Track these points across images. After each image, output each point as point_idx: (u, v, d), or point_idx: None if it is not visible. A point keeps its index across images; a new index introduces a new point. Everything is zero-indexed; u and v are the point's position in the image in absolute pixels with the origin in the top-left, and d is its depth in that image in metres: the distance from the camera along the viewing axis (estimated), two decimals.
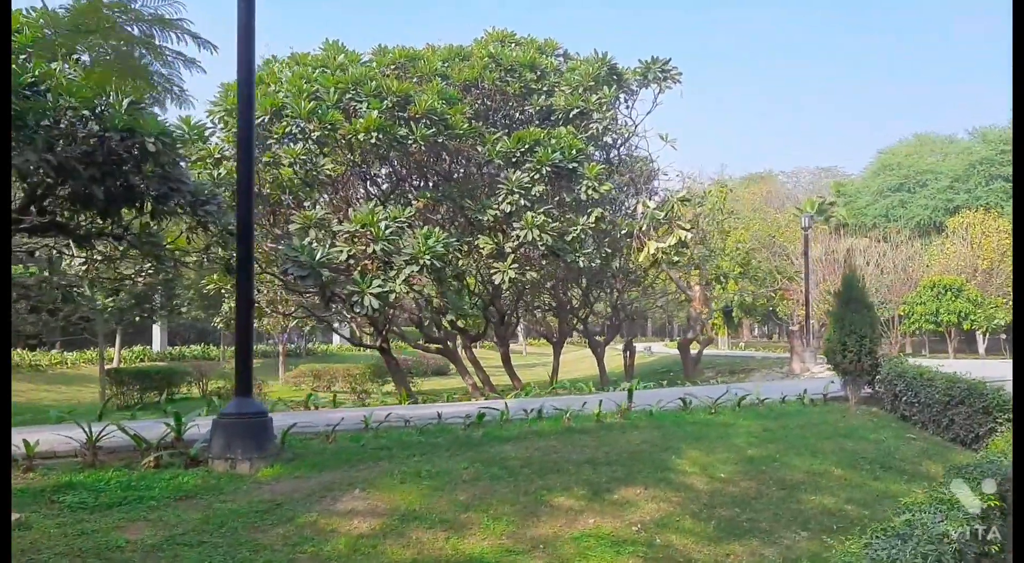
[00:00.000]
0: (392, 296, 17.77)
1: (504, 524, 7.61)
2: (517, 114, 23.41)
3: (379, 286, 17.04)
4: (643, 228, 21.67)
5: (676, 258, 21.74)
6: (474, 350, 27.44)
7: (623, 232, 22.25)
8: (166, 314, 23.57)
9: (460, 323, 25.04)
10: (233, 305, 13.76)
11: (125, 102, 9.47)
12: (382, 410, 13.02)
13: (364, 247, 17.47)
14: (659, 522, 8.17)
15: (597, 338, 29.75)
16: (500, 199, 20.14)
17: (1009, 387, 12.72)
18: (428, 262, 17.41)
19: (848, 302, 14.82)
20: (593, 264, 22.12)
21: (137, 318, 23.69)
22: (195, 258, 16.72)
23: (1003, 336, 42.85)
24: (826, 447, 11.63)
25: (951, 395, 12.78)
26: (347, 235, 17.79)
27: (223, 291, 22.93)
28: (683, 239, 21.35)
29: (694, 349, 30.15)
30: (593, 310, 29.04)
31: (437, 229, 19.04)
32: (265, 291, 23.59)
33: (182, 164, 12.84)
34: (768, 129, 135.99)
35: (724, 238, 48.40)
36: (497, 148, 20.22)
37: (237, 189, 10.26)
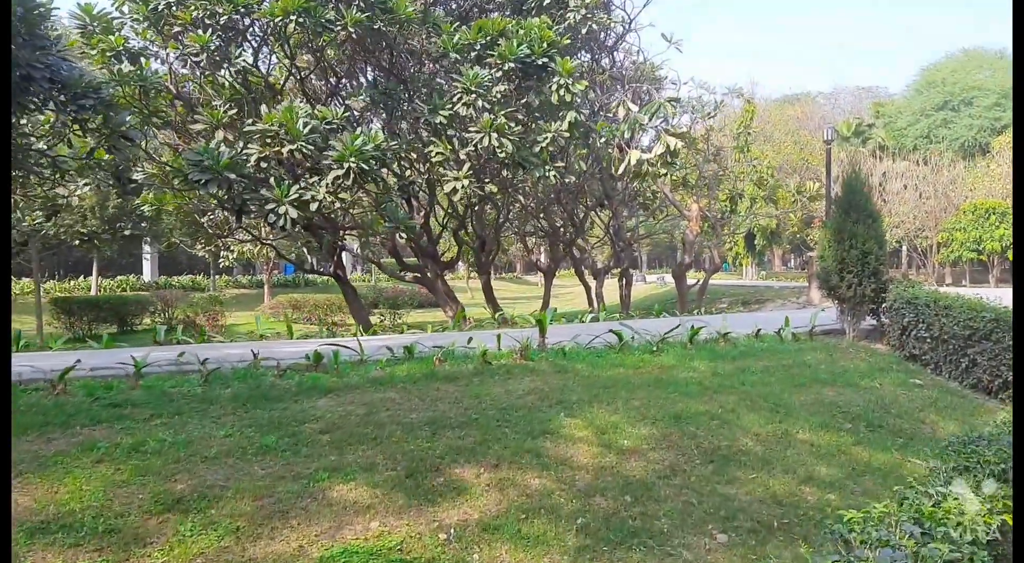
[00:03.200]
0: (314, 205, 14.77)
1: (214, 535, 4.67)
2: (487, 4, 19.85)
3: (298, 194, 14.07)
4: (625, 135, 18.13)
5: (663, 171, 18.22)
6: (480, 279, 24.56)
7: (603, 140, 18.74)
8: (109, 239, 20.90)
9: (435, 246, 22.03)
10: None
11: None
12: (248, 347, 10.13)
13: (278, 149, 14.44)
14: (490, 524, 5.15)
15: (586, 267, 26.51)
16: (455, 99, 16.78)
17: None
18: (354, 166, 14.34)
19: (848, 210, 11.35)
20: (567, 179, 18.77)
21: (77, 242, 21.06)
22: (78, 164, 13.98)
23: None
24: (797, 399, 8.42)
25: (973, 328, 9.39)
26: (259, 136, 14.74)
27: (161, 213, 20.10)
28: (672, 148, 17.78)
29: (697, 277, 26.73)
30: (583, 235, 25.65)
31: (374, 129, 15.84)
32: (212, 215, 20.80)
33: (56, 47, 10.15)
34: (807, 49, 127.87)
35: (748, 157, 44.34)
36: (455, 40, 16.77)
37: None
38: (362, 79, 19.90)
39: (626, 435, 6.88)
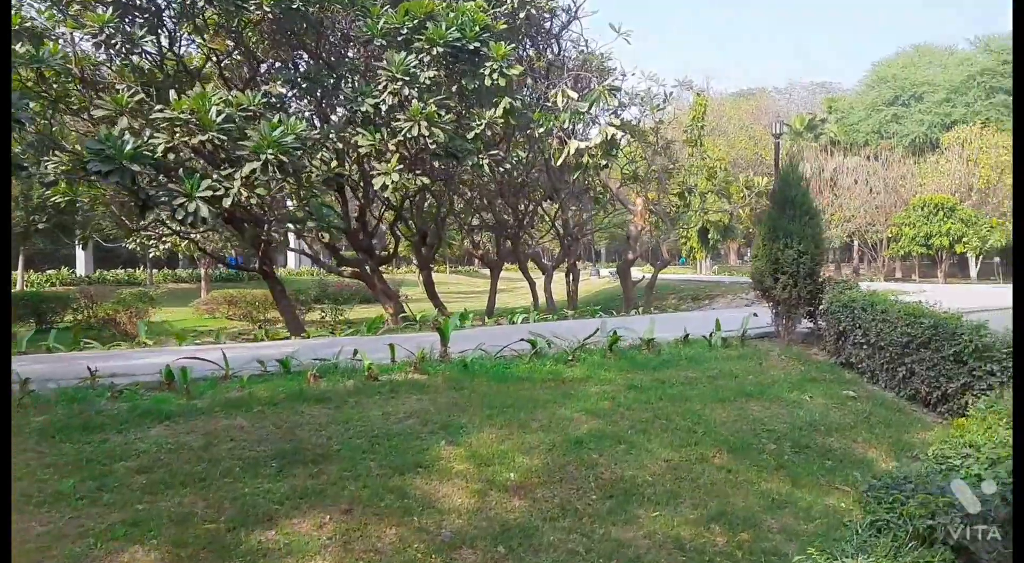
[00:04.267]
0: (228, 201, 13.57)
1: None
2: None
3: (210, 188, 12.87)
4: (565, 124, 17.21)
5: (604, 161, 17.34)
6: (421, 275, 23.44)
7: (541, 130, 17.78)
8: (22, 231, 19.42)
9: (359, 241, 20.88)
10: None
11: None
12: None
13: (188, 138, 13.23)
14: None
15: (534, 262, 25.58)
16: (380, 87, 15.67)
17: (995, 324, 8.56)
18: (272, 157, 13.18)
19: (784, 207, 10.52)
20: (503, 168, 17.81)
21: None
22: None
23: (997, 259, 38.42)
24: (718, 415, 7.53)
25: (911, 335, 8.60)
26: (167, 123, 13.49)
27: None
28: (610, 137, 16.92)
29: (646, 273, 25.95)
30: (528, 229, 24.70)
31: (293, 118, 14.67)
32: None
33: None
34: (763, 45, 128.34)
35: (699, 151, 43.78)
36: (381, 23, 15.66)
37: None
38: (290, 65, 18.69)
39: (514, 466, 5.93)
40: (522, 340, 9.13)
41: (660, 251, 26.17)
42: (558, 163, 17.49)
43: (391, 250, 22.43)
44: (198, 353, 8.42)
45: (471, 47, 15.96)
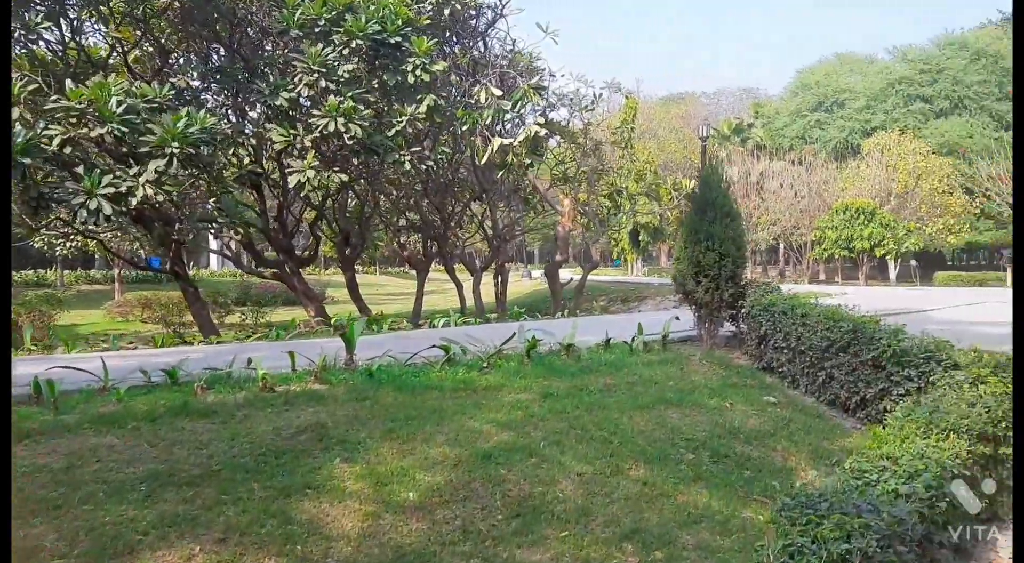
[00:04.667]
0: (134, 199, 12.73)
1: None
2: None
3: (112, 185, 12.04)
4: (488, 121, 16.83)
5: (528, 160, 17.02)
6: (344, 276, 22.68)
7: (465, 127, 17.38)
8: None
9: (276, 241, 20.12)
10: None
11: None
12: None
13: (86, 130, 12.36)
14: None
15: (463, 263, 25.13)
16: (297, 80, 15.02)
17: (912, 327, 8.52)
18: (178, 152, 12.40)
19: (705, 209, 10.34)
20: (424, 166, 17.35)
21: None
22: None
23: (913, 263, 39.64)
24: (636, 424, 7.24)
25: (831, 339, 8.47)
26: (62, 114, 12.57)
27: None
28: (533, 135, 16.60)
29: (578, 275, 25.77)
30: (455, 229, 24.21)
31: (203, 112, 13.90)
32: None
33: None
34: (694, 51, 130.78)
35: (630, 153, 43.99)
36: (297, 14, 15.01)
37: None
38: (204, 58, 17.85)
39: (415, 484, 5.49)
40: (433, 347, 8.68)
41: (590, 253, 26.01)
42: (481, 161, 17.09)
43: (312, 250, 21.69)
44: (76, 362, 7.72)
45: (392, 41, 15.49)
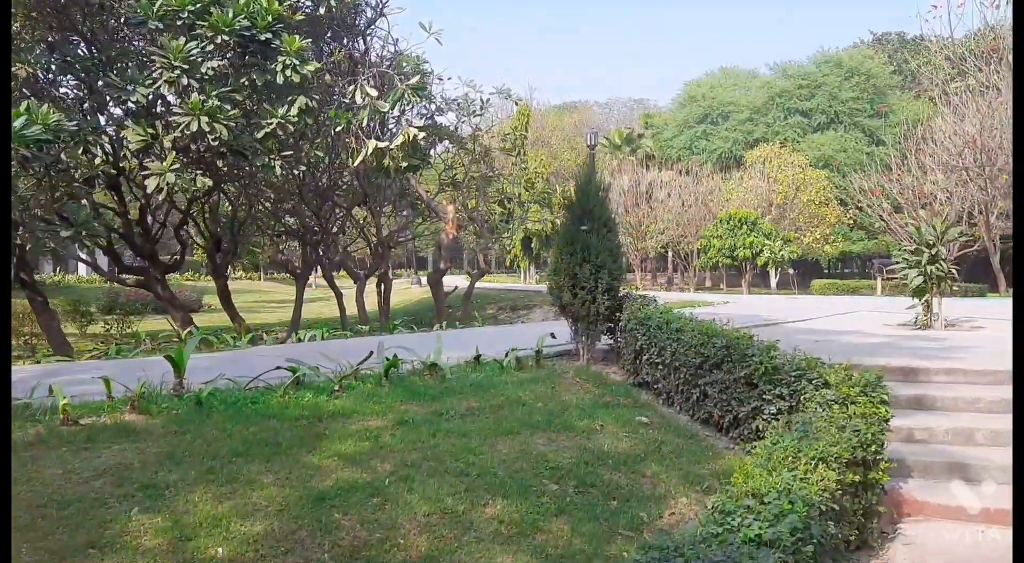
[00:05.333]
0: None
1: None
2: None
3: None
4: (364, 123, 16.01)
5: (405, 163, 16.27)
6: (216, 284, 21.21)
7: (339, 128, 16.50)
8: None
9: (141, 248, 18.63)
10: None
11: None
12: None
13: None
14: None
15: (346, 270, 24.10)
16: (156, 75, 13.79)
17: (788, 337, 8.30)
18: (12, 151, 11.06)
19: (581, 219, 9.91)
20: (297, 170, 16.41)
21: None
22: None
23: (791, 271, 41.11)
24: (498, 453, 6.64)
25: (704, 355, 8.15)
26: None
27: None
28: (412, 139, 15.89)
29: (461, 281, 25.13)
30: (334, 235, 23.14)
31: (45, 107, 12.50)
32: None
33: None
34: (588, 59, 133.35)
35: (522, 160, 43.84)
36: (157, 4, 13.77)
37: None
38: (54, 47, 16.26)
39: (227, 537, 4.69)
40: (279, 368, 7.84)
41: (477, 260, 25.46)
42: (354, 164, 16.25)
43: (179, 256, 20.25)
44: None
45: (262, 38, 14.52)
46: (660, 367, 8.89)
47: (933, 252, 13.35)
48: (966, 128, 29.00)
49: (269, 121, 15.20)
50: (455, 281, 36.01)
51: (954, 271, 13.61)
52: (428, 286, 44.94)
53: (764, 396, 7.43)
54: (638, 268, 49.42)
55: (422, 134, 16.25)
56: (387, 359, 8.27)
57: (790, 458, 5.19)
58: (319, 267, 22.93)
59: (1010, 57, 26.48)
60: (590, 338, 10.13)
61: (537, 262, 51.29)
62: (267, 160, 15.62)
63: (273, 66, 14.77)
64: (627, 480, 6.61)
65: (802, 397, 7.07)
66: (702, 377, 8.22)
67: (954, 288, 15.51)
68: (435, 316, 21.38)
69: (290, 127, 15.63)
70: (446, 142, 25.46)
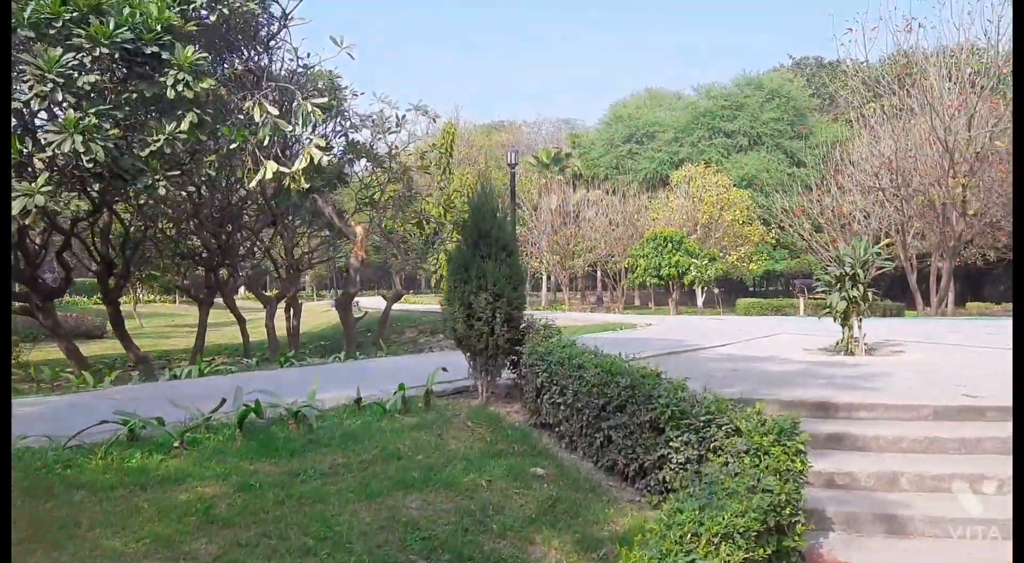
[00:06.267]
0: None
1: None
2: None
3: None
4: (264, 141, 14.82)
5: (308, 185, 15.14)
6: (108, 309, 19.51)
7: (233, 146, 15.27)
8: None
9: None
10: None
11: None
12: None
13: None
14: None
15: (259, 295, 22.65)
16: (27, 87, 12.36)
17: (701, 365, 7.50)
18: None
19: (477, 242, 8.97)
20: (186, 191, 15.15)
21: None
22: None
23: (716, 290, 41.11)
24: (360, 521, 5.59)
25: (607, 395, 7.27)
26: None
27: None
28: (316, 160, 14.79)
29: (407, 304, 23.90)
30: (238, 258, 21.74)
31: None
32: None
33: None
34: (518, 81, 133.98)
35: (442, 179, 42.89)
36: (28, 10, 12.37)
37: None
38: None
39: None
40: (105, 422, 6.62)
41: (394, 282, 24.34)
42: (250, 185, 15.06)
43: (62, 281, 18.60)
44: None
45: (148, 51, 13.29)
46: (562, 407, 7.97)
47: (853, 274, 12.88)
48: (882, 149, 29.31)
49: (156, 138, 13.95)
50: (377, 303, 34.73)
51: (869, 294, 13.16)
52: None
53: (671, 443, 6.57)
54: (567, 287, 48.89)
55: (327, 157, 15.17)
56: (244, 406, 7.11)
57: (689, 536, 4.31)
58: (219, 292, 21.41)
59: (922, 79, 26.87)
60: (489, 374, 9.17)
61: None
62: (150, 181, 14.31)
63: (162, 80, 13.54)
64: (512, 550, 5.64)
65: (713, 444, 6.25)
66: (606, 420, 7.33)
67: (872, 308, 15.13)
68: (347, 342, 20.13)
69: (179, 144, 14.39)
70: (364, 160, 24.43)
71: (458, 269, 8.93)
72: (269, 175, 15.05)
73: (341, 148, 22.81)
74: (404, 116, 24.75)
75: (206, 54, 13.74)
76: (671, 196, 45.13)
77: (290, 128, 14.98)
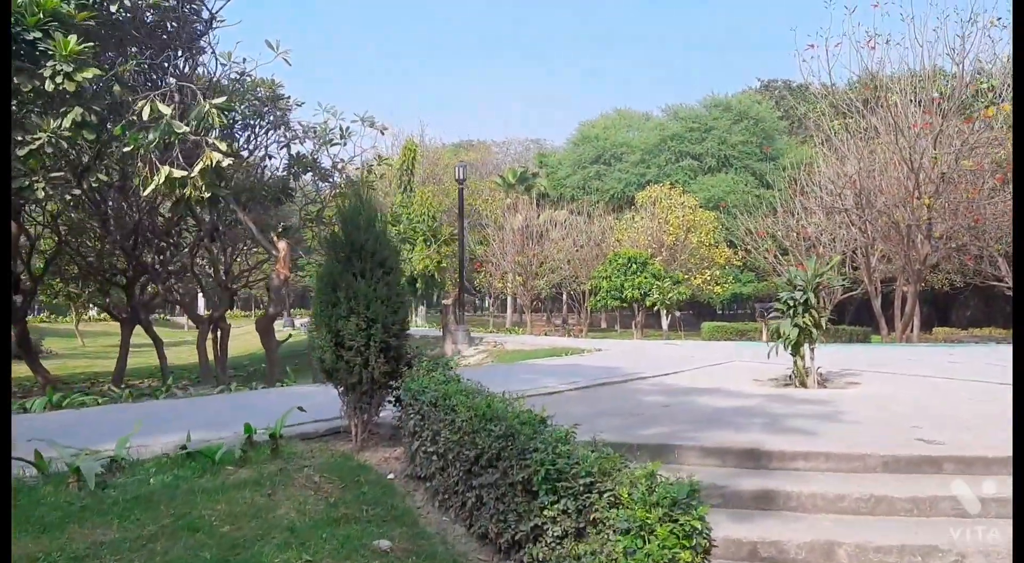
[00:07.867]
0: None
1: None
2: None
3: None
4: (154, 144, 13.39)
5: (209, 193, 13.65)
6: (15, 329, 17.78)
7: (127, 149, 13.82)
8: None
9: None
10: None
11: None
12: None
13: None
14: None
15: (191, 314, 20.96)
16: None
17: (637, 401, 6.07)
18: None
19: (349, 258, 7.50)
20: (70, 195, 13.64)
21: None
22: None
23: (678, 313, 39.87)
24: None
25: (479, 446, 5.81)
26: None
27: None
28: (214, 164, 13.36)
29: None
30: (160, 275, 20.05)
31: None
32: None
33: None
34: (488, 100, 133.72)
35: (410, 198, 41.45)
36: None
37: None
38: None
39: None
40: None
41: None
42: (145, 192, 13.53)
43: None
44: None
45: (27, 38, 11.92)
46: (436, 458, 6.50)
47: (803, 300, 11.55)
48: (846, 169, 28.31)
49: (36, 136, 12.49)
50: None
51: (823, 321, 11.83)
52: (300, 329, 41.68)
53: (546, 511, 5.11)
54: (529, 309, 47.46)
55: (227, 160, 13.70)
56: (15, 459, 5.56)
57: None
58: (132, 311, 19.75)
59: (887, 98, 25.92)
60: (365, 412, 7.68)
61: (428, 301, 48.73)
62: (28, 183, 12.84)
63: (41, 72, 12.10)
64: None
65: (593, 515, 4.81)
66: (478, 476, 5.87)
67: (827, 335, 13.85)
68: (268, 367, 18.49)
69: (63, 144, 12.91)
70: (310, 174, 23.09)
71: (326, 289, 7.45)
72: (163, 180, 13.59)
73: (285, 160, 21.47)
74: (348, 128, 23.32)
75: (91, 43, 12.31)
76: (637, 217, 43.99)
77: (185, 129, 13.53)
